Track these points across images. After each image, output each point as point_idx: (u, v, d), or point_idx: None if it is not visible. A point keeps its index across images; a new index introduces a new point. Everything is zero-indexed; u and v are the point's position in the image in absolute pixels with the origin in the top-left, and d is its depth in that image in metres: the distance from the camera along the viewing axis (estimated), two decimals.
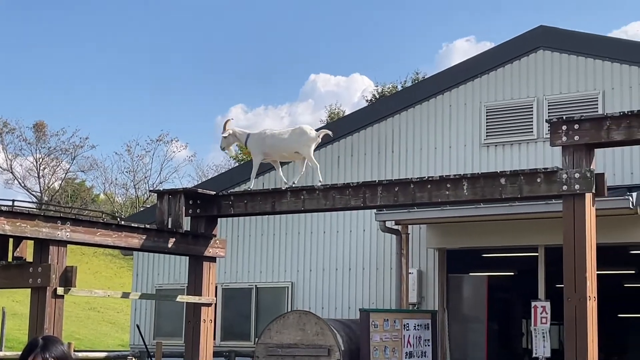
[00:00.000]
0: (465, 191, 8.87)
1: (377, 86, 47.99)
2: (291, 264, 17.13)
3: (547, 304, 13.86)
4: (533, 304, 14.05)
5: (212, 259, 10.18)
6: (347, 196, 9.55)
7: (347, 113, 30.84)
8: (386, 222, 14.87)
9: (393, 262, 15.58)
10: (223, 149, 11.33)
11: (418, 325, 14.20)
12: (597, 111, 14.39)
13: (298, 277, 16.99)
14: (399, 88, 42.02)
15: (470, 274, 16.71)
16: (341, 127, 17.55)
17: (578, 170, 8.21)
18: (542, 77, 15.34)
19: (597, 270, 8.29)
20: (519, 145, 15.27)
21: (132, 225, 9.39)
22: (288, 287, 17.02)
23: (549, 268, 14.38)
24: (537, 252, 14.59)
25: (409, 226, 15.15)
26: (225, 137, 10.59)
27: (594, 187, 8.14)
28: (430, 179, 9.08)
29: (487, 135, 15.58)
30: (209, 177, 37.04)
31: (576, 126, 8.33)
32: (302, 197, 9.77)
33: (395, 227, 15.03)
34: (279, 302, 17.01)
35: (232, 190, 10.88)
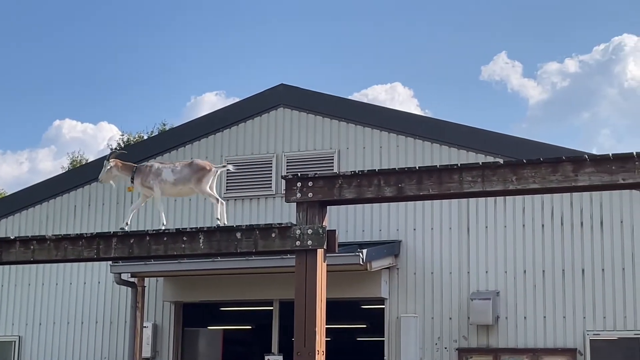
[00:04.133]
0: (201, 244, 8.83)
1: (123, 135, 47.19)
2: (19, 317, 16.30)
3: (280, 358, 14.03)
4: (266, 357, 14.19)
5: None
6: (80, 247, 9.23)
7: (90, 161, 30.18)
8: (121, 274, 14.53)
9: (128, 315, 15.21)
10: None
11: None
12: (332, 169, 14.90)
13: (27, 331, 16.18)
14: (146, 138, 41.59)
15: (208, 327, 16.63)
16: (80, 175, 17.07)
17: (311, 227, 8.38)
18: (281, 134, 15.70)
19: (330, 325, 8.49)
20: (258, 200, 15.48)
21: None
22: (15, 341, 16.15)
23: (284, 322, 14.58)
24: (273, 306, 14.78)
25: (145, 279, 14.89)
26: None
27: (326, 243, 8.35)
28: (166, 231, 8.96)
29: (227, 189, 15.68)
30: None
31: (310, 183, 8.53)
32: (32, 247, 9.34)
33: (131, 279, 14.71)
34: (5, 358, 16.08)
35: None
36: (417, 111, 32.51)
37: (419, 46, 35.57)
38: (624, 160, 7.79)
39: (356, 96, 31.89)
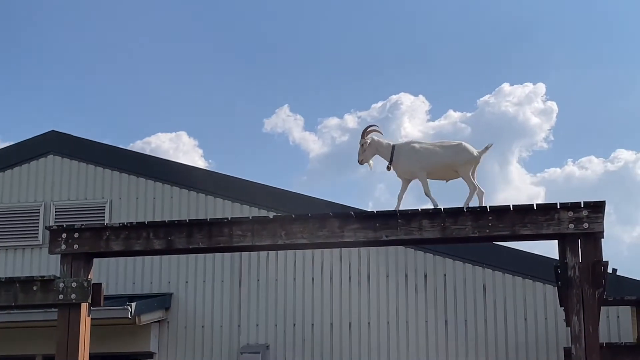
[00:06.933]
0: None
1: None
2: None
3: None
4: None
5: None
6: None
7: None
8: None
9: None
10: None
11: None
12: (104, 220, 14.56)
13: None
14: None
15: None
16: None
17: (75, 280, 8.16)
18: (51, 182, 15.21)
19: None
20: (23, 251, 14.87)
21: None
22: None
23: None
24: None
25: None
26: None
27: (90, 297, 8.14)
28: None
29: None
30: None
31: (76, 235, 8.32)
32: None
33: None
34: None
35: None
36: (201, 161, 32.47)
37: (203, 96, 35.75)
38: (386, 217, 8.11)
39: (139, 144, 31.44)
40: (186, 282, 14.33)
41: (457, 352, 13.34)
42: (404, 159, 9.52)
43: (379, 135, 9.84)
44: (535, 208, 7.94)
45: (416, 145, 9.64)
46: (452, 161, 9.41)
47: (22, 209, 15.11)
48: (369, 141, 9.69)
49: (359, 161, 9.75)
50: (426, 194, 9.51)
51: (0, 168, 15.45)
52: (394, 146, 9.66)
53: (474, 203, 9.34)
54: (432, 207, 8.91)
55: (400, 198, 9.60)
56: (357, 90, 35.53)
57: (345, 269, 13.95)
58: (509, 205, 7.99)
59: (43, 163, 15.40)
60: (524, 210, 7.94)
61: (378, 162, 9.94)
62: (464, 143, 9.55)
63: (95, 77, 36.42)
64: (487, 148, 9.52)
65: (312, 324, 13.81)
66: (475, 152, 9.43)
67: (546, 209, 7.90)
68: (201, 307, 14.16)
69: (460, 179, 9.59)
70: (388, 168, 9.61)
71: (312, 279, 14.00)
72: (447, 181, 9.73)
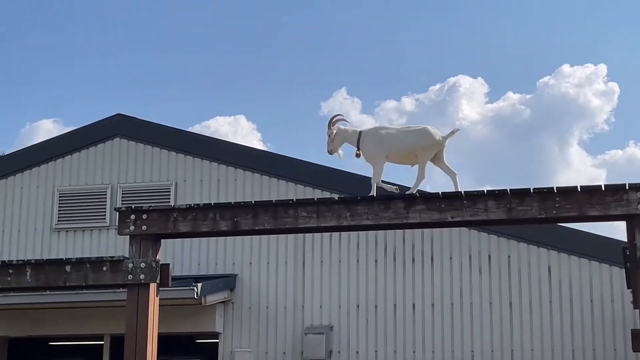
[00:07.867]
0: (28, 278, 8.58)
1: None
2: None
3: None
4: None
5: None
6: None
7: None
8: None
9: None
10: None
11: None
12: (169, 201, 14.74)
13: None
14: None
15: None
16: None
17: (144, 260, 8.27)
18: (117, 165, 15.44)
19: None
20: (91, 232, 15.13)
21: None
22: None
23: (115, 357, 14.20)
24: (104, 341, 14.41)
25: None
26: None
27: (159, 277, 8.25)
28: None
29: (59, 220, 15.25)
30: None
31: (144, 216, 8.43)
32: None
33: None
34: None
35: None
36: (259, 145, 32.72)
37: (262, 80, 35.98)
38: (452, 199, 8.08)
39: (198, 128, 31.77)
40: (250, 263, 14.46)
41: (521, 333, 13.26)
42: (368, 145, 9.42)
43: (345, 124, 9.77)
44: (603, 189, 7.83)
45: (381, 130, 9.52)
46: (414, 146, 9.23)
47: (90, 191, 15.37)
48: (335, 131, 9.62)
49: (328, 152, 9.67)
50: (375, 182, 9.35)
51: (69, 151, 15.72)
52: (360, 132, 9.57)
53: (449, 186, 9.22)
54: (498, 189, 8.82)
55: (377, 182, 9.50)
56: (414, 73, 35.40)
57: (409, 250, 13.94)
58: (577, 186, 7.89)
59: (109, 146, 15.63)
60: (591, 191, 7.84)
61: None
62: (427, 127, 9.35)
63: (154, 61, 36.81)
64: (452, 132, 9.31)
65: (376, 305, 13.84)
66: (438, 136, 9.19)
67: (614, 190, 7.79)
68: (265, 288, 14.28)
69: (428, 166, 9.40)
70: (357, 155, 9.53)
71: (376, 261, 14.02)
72: (412, 166, 9.56)
